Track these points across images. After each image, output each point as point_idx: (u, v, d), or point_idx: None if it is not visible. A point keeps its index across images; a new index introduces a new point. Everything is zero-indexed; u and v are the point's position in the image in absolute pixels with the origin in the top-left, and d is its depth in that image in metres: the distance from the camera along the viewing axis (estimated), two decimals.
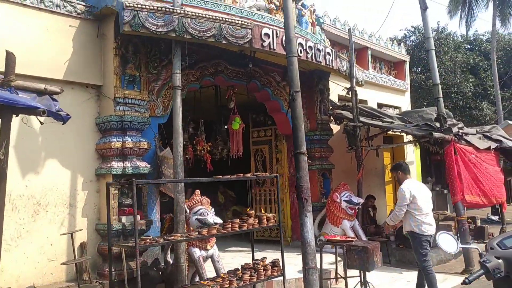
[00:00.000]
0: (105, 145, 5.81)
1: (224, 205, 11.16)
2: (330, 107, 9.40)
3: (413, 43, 22.29)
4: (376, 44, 11.90)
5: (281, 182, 9.22)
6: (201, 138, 8.92)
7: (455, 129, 7.76)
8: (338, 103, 9.77)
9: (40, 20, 5.55)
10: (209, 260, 5.82)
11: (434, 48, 7.81)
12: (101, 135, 6.01)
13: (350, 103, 8.86)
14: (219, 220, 5.63)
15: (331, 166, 9.12)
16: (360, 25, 12.28)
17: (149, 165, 6.08)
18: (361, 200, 8.08)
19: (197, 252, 5.60)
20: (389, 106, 12.30)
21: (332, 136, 9.33)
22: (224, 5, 6.49)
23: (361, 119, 8.43)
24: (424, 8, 7.84)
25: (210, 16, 5.86)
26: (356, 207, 8.02)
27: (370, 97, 11.58)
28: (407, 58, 13.47)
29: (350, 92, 8.43)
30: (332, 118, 9.11)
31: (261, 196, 9.52)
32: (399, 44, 13.26)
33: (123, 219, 5.78)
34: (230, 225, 4.95)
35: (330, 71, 8.21)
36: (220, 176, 5.50)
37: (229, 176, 5.56)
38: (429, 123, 8.09)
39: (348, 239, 6.29)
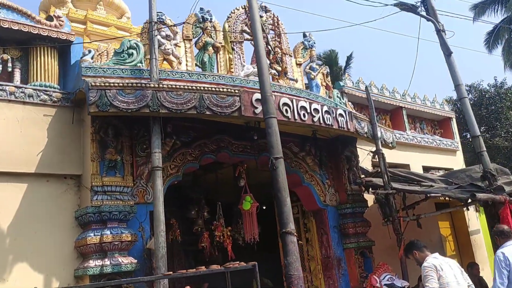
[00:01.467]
0: (82, 241, 5.15)
1: None
2: (362, 175, 8.34)
3: (471, 102, 20.79)
4: (411, 103, 10.87)
5: (313, 266, 8.03)
6: (219, 222, 8.07)
7: (509, 187, 6.39)
8: (371, 170, 8.67)
9: (11, 112, 5.25)
10: None
11: (467, 96, 6.75)
12: (81, 230, 5.38)
13: (393, 169, 7.81)
14: None
15: (370, 243, 7.85)
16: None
17: (136, 261, 5.28)
18: (406, 284, 6.67)
19: None
20: (438, 169, 10.92)
21: (368, 208, 8.16)
22: (212, 75, 5.96)
23: (394, 185, 7.26)
24: (448, 53, 6.91)
25: (189, 87, 5.31)
26: None
27: (413, 160, 10.36)
28: (452, 115, 12.23)
29: (377, 157, 7.39)
30: (363, 187, 7.99)
31: None
32: (448, 102, 12.04)
33: None
34: None
35: (349, 134, 7.29)
36: (204, 267, 4.56)
37: (203, 267, 4.57)
38: (476, 183, 6.78)
39: None
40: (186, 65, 6.17)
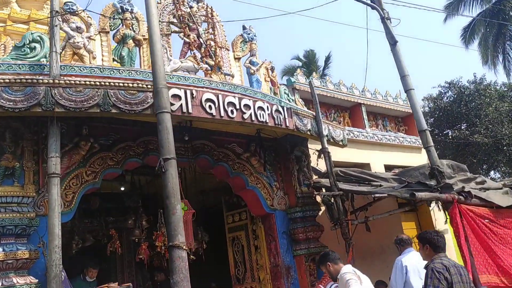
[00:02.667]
0: None
1: None
2: (315, 177, 7.81)
3: (451, 99, 20.47)
4: (371, 99, 10.39)
5: (262, 276, 7.46)
6: (160, 231, 7.46)
7: (465, 184, 5.90)
8: (324, 171, 8.13)
9: None
10: None
11: (413, 88, 6.24)
12: None
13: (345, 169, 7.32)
14: None
15: (322, 248, 7.25)
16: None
17: (36, 280, 4.65)
18: None
19: None
20: (401, 167, 10.41)
21: (322, 211, 7.63)
22: (128, 70, 5.35)
23: (342, 186, 6.74)
24: (393, 43, 6.42)
25: (91, 83, 4.71)
26: None
27: (373, 159, 9.88)
28: None
29: (323, 156, 6.87)
30: (314, 189, 7.44)
31: None
32: (428, 99, 11.53)
33: None
34: None
35: (289, 132, 6.75)
36: None
37: None
38: (424, 181, 6.28)
39: None
40: (102, 60, 5.57)
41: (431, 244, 3.89)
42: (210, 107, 5.37)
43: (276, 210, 7.31)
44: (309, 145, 7.85)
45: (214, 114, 5.41)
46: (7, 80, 4.37)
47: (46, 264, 4.78)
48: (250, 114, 5.77)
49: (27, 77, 4.51)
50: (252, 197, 7.27)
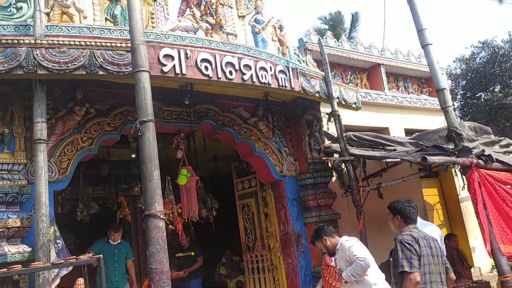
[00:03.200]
0: None
1: (229, 276, 9.21)
2: (328, 141, 7.43)
3: (484, 60, 19.35)
4: (391, 59, 9.79)
5: (272, 244, 7.25)
6: (168, 199, 7.28)
7: (478, 149, 5.43)
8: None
9: None
10: None
11: (431, 43, 5.71)
12: None
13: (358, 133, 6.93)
14: None
15: (335, 216, 7.00)
16: None
17: (30, 249, 4.54)
18: None
19: None
20: (423, 131, 9.90)
21: (334, 178, 7.28)
22: (119, 29, 5.04)
23: (353, 151, 6.36)
24: None
25: (75, 42, 4.42)
26: None
27: (392, 122, 9.37)
28: (442, 71, 11.08)
29: (333, 119, 6.47)
30: (323, 154, 7.09)
31: (253, 263, 7.55)
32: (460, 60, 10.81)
33: None
34: None
35: (296, 94, 6.35)
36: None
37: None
38: (441, 144, 5.82)
39: None
40: (94, 19, 5.26)
41: (401, 214, 3.54)
42: (206, 68, 5.03)
43: (285, 176, 7.03)
44: (322, 109, 7.45)
45: (211, 75, 5.07)
46: None
47: None
48: (251, 75, 5.40)
49: (8, 38, 4.26)
50: (260, 163, 6.99)
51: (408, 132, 9.55)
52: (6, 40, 4.17)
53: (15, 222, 4.48)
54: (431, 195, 10.07)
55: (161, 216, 3.01)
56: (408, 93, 10.30)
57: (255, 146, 6.82)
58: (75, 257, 3.55)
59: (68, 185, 7.22)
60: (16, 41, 4.19)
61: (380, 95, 9.21)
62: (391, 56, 9.81)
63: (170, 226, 3.58)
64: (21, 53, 4.20)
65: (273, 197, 7.25)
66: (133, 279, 6.78)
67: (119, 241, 6.54)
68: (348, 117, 8.19)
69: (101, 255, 3.55)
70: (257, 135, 6.88)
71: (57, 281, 4.64)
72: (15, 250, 4.44)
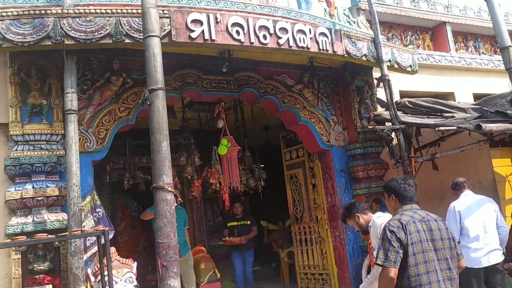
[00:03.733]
0: (7, 196, 4.60)
1: (282, 246, 9.10)
2: (382, 109, 6.92)
3: None
4: (459, 17, 8.86)
5: (320, 216, 7.00)
6: (214, 168, 7.25)
7: None
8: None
9: None
10: None
11: None
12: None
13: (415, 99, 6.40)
14: None
15: None
16: None
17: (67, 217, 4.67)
18: None
19: None
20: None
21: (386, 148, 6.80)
22: None
23: (405, 118, 5.85)
24: None
25: (101, 11, 4.34)
26: None
27: (459, 87, 8.56)
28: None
29: (383, 84, 5.97)
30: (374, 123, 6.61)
31: (301, 235, 7.36)
32: None
33: None
34: None
35: (340, 58, 5.90)
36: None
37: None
38: (505, 109, 5.15)
39: None
40: None
41: (396, 193, 3.13)
42: (237, 32, 4.76)
43: (333, 146, 6.68)
44: (376, 74, 6.91)
45: (243, 40, 4.80)
46: (15, 13, 4.16)
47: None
48: (287, 39, 5.06)
49: (37, 9, 4.26)
50: (306, 133, 6.69)
51: (478, 97, 8.67)
52: (34, 11, 4.18)
53: (53, 191, 4.60)
54: (502, 165, 9.18)
55: (169, 188, 2.88)
56: (479, 54, 9.33)
57: (299, 115, 6.51)
58: (103, 227, 3.53)
59: (116, 155, 7.46)
60: (43, 12, 4.19)
61: (444, 56, 8.41)
62: (459, 13, 8.88)
63: (179, 199, 3.48)
64: (49, 23, 4.19)
65: (320, 168, 6.95)
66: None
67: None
68: (406, 82, 7.60)
69: (107, 228, 3.53)
70: (302, 103, 6.56)
71: (94, 248, 4.75)
72: (54, 218, 4.58)
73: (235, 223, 7.66)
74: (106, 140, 5.20)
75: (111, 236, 5.00)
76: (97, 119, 5.19)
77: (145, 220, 6.60)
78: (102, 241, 3.55)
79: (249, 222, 7.63)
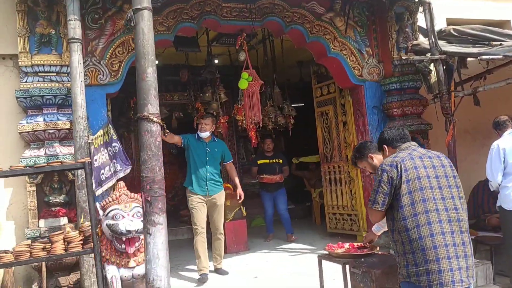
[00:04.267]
0: (19, 128, 4.55)
1: (314, 186, 8.88)
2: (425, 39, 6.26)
3: None
4: None
5: (350, 155, 6.62)
6: (241, 105, 6.95)
7: None
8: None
9: None
10: None
11: None
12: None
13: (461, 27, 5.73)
14: (134, 226, 3.84)
15: (423, 126, 6.07)
16: None
17: None
18: None
19: (111, 271, 3.93)
20: None
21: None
22: None
23: (446, 48, 5.23)
24: None
25: None
26: None
27: None
28: None
29: (422, 9, 5.31)
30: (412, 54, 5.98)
31: (330, 174, 7.06)
32: None
33: (42, 222, 4.46)
34: None
35: None
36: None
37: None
38: None
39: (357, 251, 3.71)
40: None
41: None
42: None
43: (365, 81, 6.19)
44: None
45: None
46: None
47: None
48: None
49: None
50: (336, 66, 6.21)
51: None
52: None
53: (65, 124, 4.51)
54: None
55: (154, 119, 2.62)
56: None
57: (329, 47, 6.01)
58: (74, 161, 3.39)
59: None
60: None
61: None
62: None
63: (166, 130, 3.25)
64: None
65: (351, 105, 6.51)
66: (235, 182, 5.69)
67: (208, 135, 5.38)
68: (456, 9, 6.83)
69: (88, 159, 3.36)
70: (333, 34, 6.03)
71: (110, 183, 4.68)
72: (66, 151, 4.52)
73: (266, 161, 7.22)
74: (120, 72, 5.01)
75: (127, 171, 4.97)
76: (109, 50, 4.97)
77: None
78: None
79: (281, 161, 7.24)
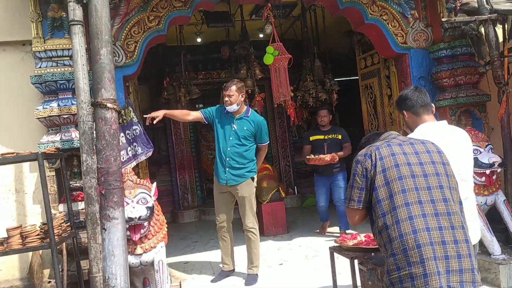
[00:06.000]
0: (35, 114, 4.58)
1: None
2: None
3: None
4: None
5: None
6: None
7: None
8: None
9: None
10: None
11: None
12: None
13: None
14: (136, 213, 3.72)
15: (479, 98, 5.32)
16: None
17: None
18: (496, 159, 4.32)
19: None
20: None
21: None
22: None
23: (499, 5, 4.44)
24: None
25: None
26: (488, 171, 4.33)
27: None
28: None
29: None
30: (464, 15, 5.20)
31: None
32: None
33: (61, 207, 4.51)
34: None
35: None
36: None
37: None
38: None
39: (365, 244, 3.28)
40: None
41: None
42: None
43: (410, 48, 5.53)
44: None
45: None
46: None
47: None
48: None
49: None
50: (376, 34, 5.60)
51: None
52: None
53: None
54: None
55: (108, 105, 2.40)
56: None
57: (366, 12, 5.40)
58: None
59: (171, 70, 7.15)
60: None
61: None
62: None
63: (124, 117, 3.00)
64: None
65: (396, 76, 5.87)
66: (258, 162, 4.83)
67: (235, 108, 4.55)
68: None
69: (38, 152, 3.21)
70: None
71: (129, 166, 4.59)
72: None
73: (320, 137, 6.06)
74: (136, 53, 4.85)
75: (149, 154, 4.85)
76: (124, 30, 4.82)
77: None
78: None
79: (340, 137, 6.03)
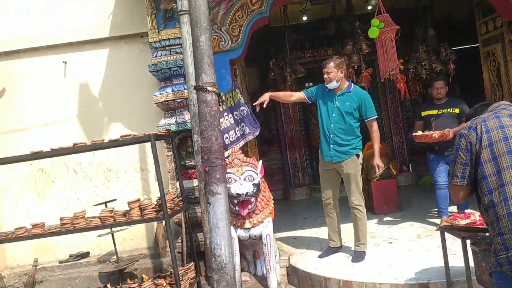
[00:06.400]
0: (154, 99, 5.02)
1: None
2: None
3: None
4: None
5: None
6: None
7: None
8: None
9: None
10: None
11: None
12: None
13: None
14: (243, 190, 3.94)
15: None
16: None
17: None
18: None
19: None
20: None
21: None
22: None
23: None
24: None
25: None
26: None
27: None
28: None
29: None
30: None
31: None
32: None
33: (178, 184, 4.91)
34: None
35: None
36: None
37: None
38: None
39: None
40: None
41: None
42: None
43: None
44: None
45: None
46: None
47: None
48: None
49: None
50: None
51: None
52: None
53: None
54: None
55: (209, 88, 2.53)
56: None
57: None
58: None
59: (276, 51, 7.22)
60: None
61: None
62: None
63: (223, 98, 3.00)
64: None
65: None
66: (374, 148, 4.53)
67: (336, 85, 4.38)
68: None
69: (151, 133, 3.40)
70: None
71: (238, 145, 4.80)
72: None
73: (434, 112, 5.27)
74: (240, 36, 5.01)
75: (256, 133, 5.03)
76: (229, 15, 5.00)
77: None
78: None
79: (457, 110, 5.15)
